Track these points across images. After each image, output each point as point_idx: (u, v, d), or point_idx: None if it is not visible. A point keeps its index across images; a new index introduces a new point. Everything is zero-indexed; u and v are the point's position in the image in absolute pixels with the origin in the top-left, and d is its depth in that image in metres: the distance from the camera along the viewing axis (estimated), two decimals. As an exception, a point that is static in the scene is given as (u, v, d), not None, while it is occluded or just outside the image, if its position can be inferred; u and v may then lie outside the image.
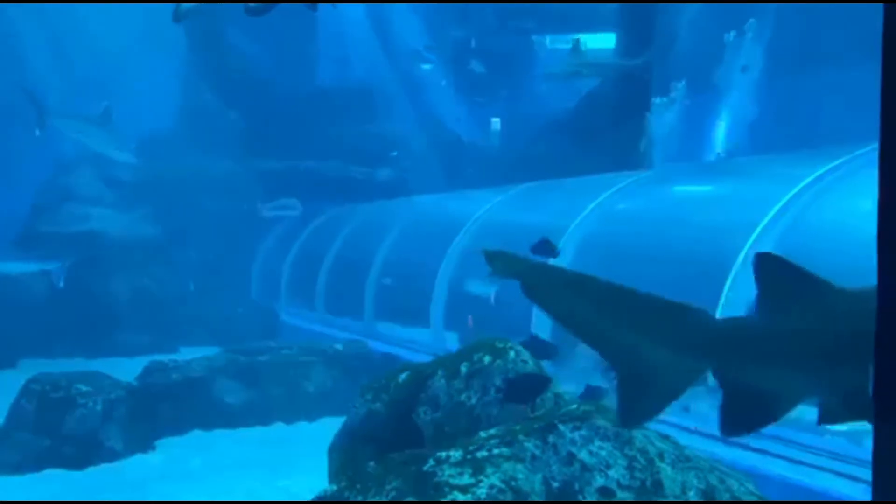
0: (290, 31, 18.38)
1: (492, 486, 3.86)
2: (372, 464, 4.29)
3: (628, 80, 16.27)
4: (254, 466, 8.34)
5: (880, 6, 1.43)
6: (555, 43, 21.89)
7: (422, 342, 11.84)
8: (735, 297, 7.07)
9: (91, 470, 8.31)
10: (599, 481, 3.97)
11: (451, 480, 3.90)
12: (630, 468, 4.00)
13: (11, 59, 17.10)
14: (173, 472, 8.27)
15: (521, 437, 4.15)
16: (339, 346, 11.36)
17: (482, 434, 4.37)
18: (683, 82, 14.92)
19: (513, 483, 3.90)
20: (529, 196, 12.74)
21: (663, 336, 2.85)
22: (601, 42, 19.05)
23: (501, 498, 3.83)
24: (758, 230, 7.48)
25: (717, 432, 6.43)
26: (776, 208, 7.60)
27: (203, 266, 16.90)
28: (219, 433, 9.68)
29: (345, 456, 5.47)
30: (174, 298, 15.95)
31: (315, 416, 10.24)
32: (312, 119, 18.90)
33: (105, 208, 16.31)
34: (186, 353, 11.94)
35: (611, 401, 5.50)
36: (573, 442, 4.09)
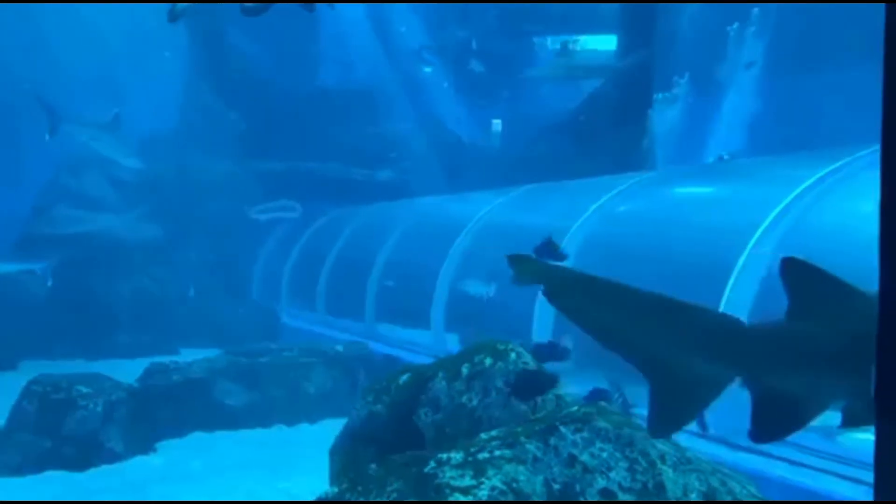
0: (290, 32, 18.39)
1: (493, 488, 3.86)
2: (373, 465, 4.29)
3: (625, 81, 16.26)
4: (254, 468, 8.34)
5: (881, 6, 1.43)
6: (556, 44, 21.90)
7: (422, 344, 11.84)
8: (736, 298, 7.06)
9: (92, 471, 8.30)
10: (601, 483, 3.96)
11: (453, 482, 3.89)
12: (631, 470, 4.00)
13: (13, 59, 17.13)
14: (174, 473, 8.27)
15: (522, 438, 4.14)
16: (339, 348, 11.36)
17: (483, 436, 4.37)
18: (686, 77, 14.87)
19: (514, 485, 3.90)
20: (530, 197, 12.73)
21: (694, 343, 2.82)
22: (602, 43, 19.07)
23: (503, 499, 3.83)
24: (759, 232, 7.47)
25: (716, 434, 6.41)
26: (777, 210, 7.60)
27: (204, 267, 16.90)
28: (219, 435, 9.67)
29: (346, 458, 5.47)
30: (175, 300, 15.95)
31: (316, 417, 10.24)
32: (313, 120, 18.90)
33: (106, 209, 16.32)
34: (187, 355, 11.94)
35: (615, 405, 5.51)
36: (574, 444, 4.08)
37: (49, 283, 14.38)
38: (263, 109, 18.64)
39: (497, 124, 21.31)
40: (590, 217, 10.19)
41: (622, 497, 3.93)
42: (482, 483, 3.88)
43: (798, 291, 2.57)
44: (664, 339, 2.86)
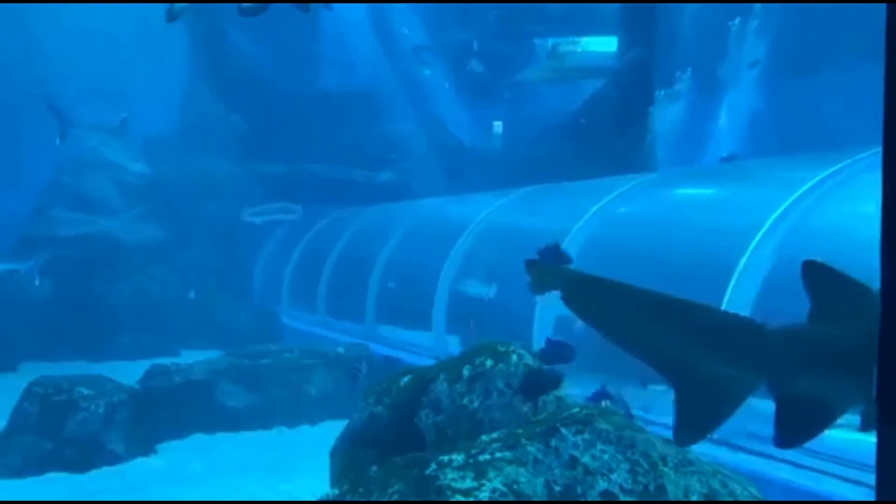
0: (291, 34, 18.39)
1: (494, 490, 3.86)
2: (374, 467, 4.29)
3: (625, 81, 16.24)
4: (255, 470, 8.34)
5: (881, 7, 1.43)
6: (557, 46, 21.89)
7: (424, 345, 11.83)
8: (737, 299, 7.06)
9: (93, 473, 8.31)
10: (602, 485, 3.96)
11: (454, 484, 3.89)
12: (633, 472, 4.00)
13: (12, 61, 17.14)
14: (175, 475, 8.27)
15: (523, 440, 4.14)
16: (340, 350, 11.35)
17: (484, 437, 4.37)
18: (688, 73, 14.82)
19: (515, 487, 3.89)
20: (532, 199, 12.73)
21: (718, 348, 2.80)
22: (604, 44, 19.07)
23: (503, 501, 3.83)
24: (760, 234, 7.47)
25: (717, 436, 6.39)
26: (778, 212, 7.59)
27: (205, 269, 16.90)
28: (220, 436, 9.68)
29: (347, 459, 5.47)
30: (176, 301, 15.94)
31: (317, 419, 10.24)
32: (314, 121, 18.90)
33: (107, 210, 16.33)
34: (188, 357, 11.94)
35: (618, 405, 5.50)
36: (576, 445, 4.08)
37: (36, 283, 14.38)
38: (264, 111, 18.64)
39: (498, 126, 21.31)
40: (591, 219, 10.18)
41: (623, 499, 3.93)
42: (483, 485, 3.87)
43: (819, 294, 2.57)
44: (687, 344, 2.85)
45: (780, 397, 2.69)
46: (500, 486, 3.87)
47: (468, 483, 3.89)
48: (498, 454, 4.06)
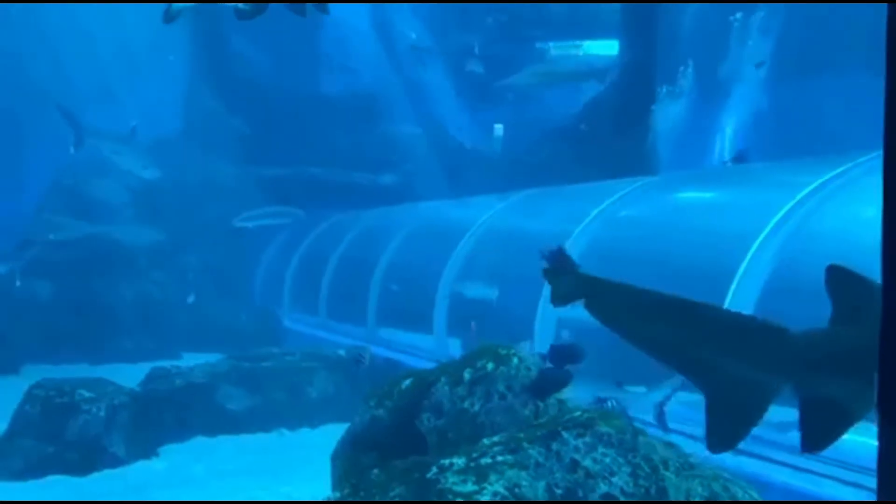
0: (293, 37, 18.41)
1: (495, 494, 3.86)
2: (375, 471, 4.29)
3: (625, 83, 16.21)
4: (256, 473, 8.34)
5: (882, 9, 1.44)
6: (558, 49, 21.91)
7: (425, 348, 11.83)
8: (738, 303, 7.06)
9: (94, 476, 8.30)
10: (603, 489, 3.96)
11: (455, 488, 3.89)
12: (634, 476, 4.00)
13: (15, 62, 17.17)
14: (176, 478, 8.27)
15: (524, 444, 4.14)
16: (341, 352, 11.35)
17: (486, 441, 4.37)
18: (691, 70, 14.76)
19: (516, 490, 3.89)
20: (533, 202, 12.73)
21: (745, 353, 2.82)
22: (605, 49, 19.08)
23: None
24: (761, 237, 7.47)
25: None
26: (779, 215, 7.60)
27: (206, 272, 16.91)
28: (222, 439, 9.67)
29: (348, 463, 5.46)
30: (177, 304, 15.95)
31: (318, 422, 10.23)
32: (316, 124, 18.92)
33: (109, 213, 16.33)
34: (189, 359, 11.95)
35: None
36: (577, 449, 4.08)
37: (17, 284, 14.41)
38: (266, 114, 18.65)
39: (499, 129, 21.30)
40: (592, 221, 10.19)
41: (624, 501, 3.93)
42: (484, 488, 3.87)
43: (841, 298, 2.60)
44: (715, 350, 2.86)
45: (804, 401, 2.71)
46: (501, 490, 3.87)
47: (469, 487, 3.89)
48: (499, 458, 4.06)
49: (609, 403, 5.71)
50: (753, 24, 14.00)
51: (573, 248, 9.48)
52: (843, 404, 2.63)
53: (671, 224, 9.66)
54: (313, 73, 20.77)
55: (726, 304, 7.07)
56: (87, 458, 8.42)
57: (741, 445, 6.41)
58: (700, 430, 6.73)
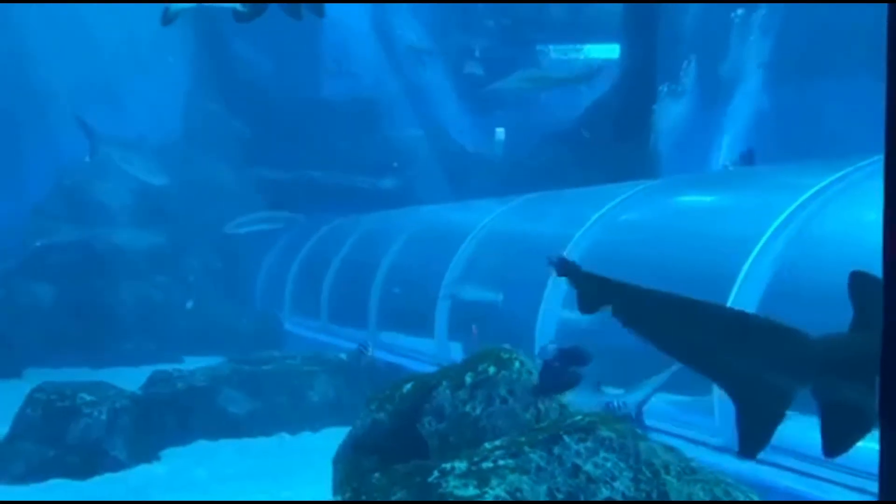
0: (294, 40, 18.43)
1: (497, 498, 3.85)
2: (376, 475, 4.29)
3: (626, 87, 16.21)
4: (258, 477, 8.33)
5: (882, 11, 1.43)
6: (559, 53, 21.94)
7: (426, 352, 11.82)
8: (739, 307, 7.05)
9: (95, 479, 8.30)
10: (604, 493, 3.95)
11: (456, 492, 3.89)
12: (635, 480, 3.99)
13: (17, 62, 17.19)
14: (177, 482, 8.26)
15: (526, 448, 4.14)
16: (342, 356, 11.35)
17: (487, 445, 4.36)
18: (693, 66, 14.74)
19: (518, 494, 3.89)
20: (534, 206, 12.73)
21: (770, 357, 2.85)
22: (606, 52, 19.10)
23: (506, 509, 3.82)
24: (762, 241, 7.46)
25: (720, 443, 6.39)
26: (780, 219, 7.59)
27: (207, 275, 16.91)
28: (223, 443, 9.67)
29: (349, 466, 5.46)
30: (178, 308, 15.96)
31: (319, 425, 10.23)
32: (317, 128, 18.94)
33: (109, 216, 16.34)
34: (190, 363, 11.95)
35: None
36: (578, 454, 4.07)
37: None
38: (267, 117, 18.68)
39: (501, 132, 21.31)
40: (593, 225, 10.18)
41: (626, 506, 3.92)
42: (486, 493, 3.87)
43: (862, 303, 2.64)
44: (739, 354, 2.89)
45: (824, 405, 2.74)
46: (502, 494, 3.87)
47: (471, 491, 3.88)
48: (501, 462, 4.06)
49: (615, 403, 5.70)
50: (755, 21, 13.98)
51: (574, 252, 9.48)
52: (863, 409, 2.65)
53: (672, 228, 9.65)
54: (314, 75, 20.81)
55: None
56: (88, 462, 8.42)
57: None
58: (688, 431, 6.74)
